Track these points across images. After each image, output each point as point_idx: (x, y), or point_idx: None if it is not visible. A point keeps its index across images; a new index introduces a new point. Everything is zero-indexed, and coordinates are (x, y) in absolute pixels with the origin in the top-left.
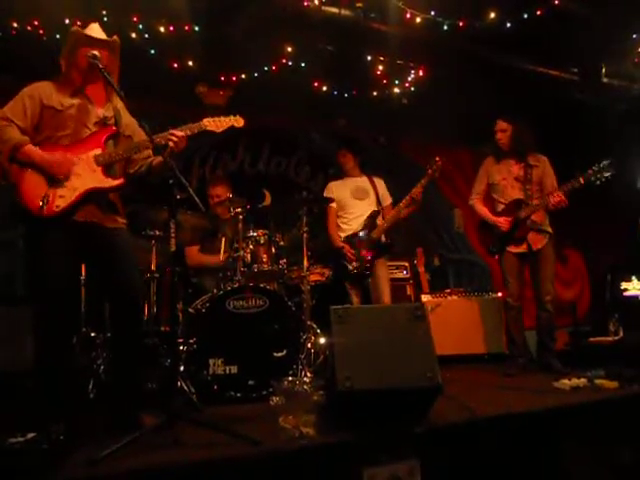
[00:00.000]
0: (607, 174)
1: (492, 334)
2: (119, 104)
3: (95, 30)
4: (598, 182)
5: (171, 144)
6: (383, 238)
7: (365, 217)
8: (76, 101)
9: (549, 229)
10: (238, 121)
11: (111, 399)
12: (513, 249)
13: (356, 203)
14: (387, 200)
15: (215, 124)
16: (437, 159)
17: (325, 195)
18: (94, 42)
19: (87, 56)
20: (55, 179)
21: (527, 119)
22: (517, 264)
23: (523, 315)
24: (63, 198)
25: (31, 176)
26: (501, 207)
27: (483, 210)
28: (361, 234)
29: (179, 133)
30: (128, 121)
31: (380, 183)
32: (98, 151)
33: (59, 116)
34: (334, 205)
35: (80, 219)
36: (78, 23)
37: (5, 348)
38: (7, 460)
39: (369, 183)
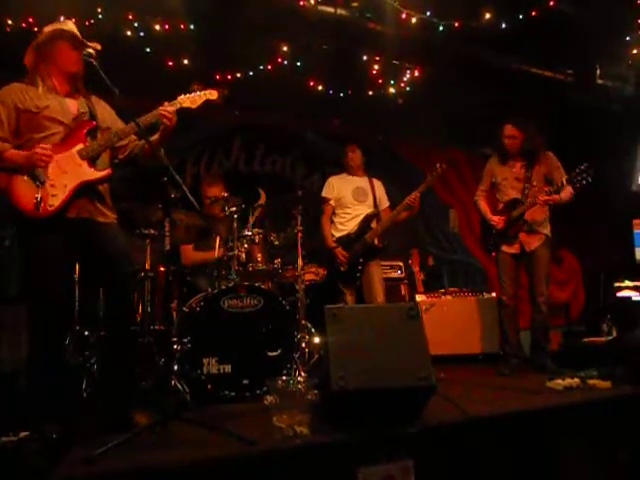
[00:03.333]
0: (586, 177)
1: (486, 334)
2: (92, 97)
3: (72, 29)
4: (578, 185)
5: (165, 120)
6: (376, 241)
7: (361, 218)
8: (50, 101)
9: (545, 230)
10: (212, 94)
11: (103, 397)
12: (507, 249)
13: (355, 204)
14: (385, 203)
15: (189, 100)
16: (437, 166)
17: (325, 189)
18: (74, 41)
19: (82, 54)
20: (43, 179)
21: (536, 121)
22: (512, 264)
23: (518, 315)
24: (55, 197)
25: (20, 180)
26: (500, 206)
27: (484, 208)
28: (354, 236)
29: (169, 108)
30: (105, 114)
31: (379, 185)
32: (80, 146)
33: (36, 118)
34: (332, 202)
35: (72, 215)
36: (61, 21)
37: None
38: (0, 459)
39: (369, 184)
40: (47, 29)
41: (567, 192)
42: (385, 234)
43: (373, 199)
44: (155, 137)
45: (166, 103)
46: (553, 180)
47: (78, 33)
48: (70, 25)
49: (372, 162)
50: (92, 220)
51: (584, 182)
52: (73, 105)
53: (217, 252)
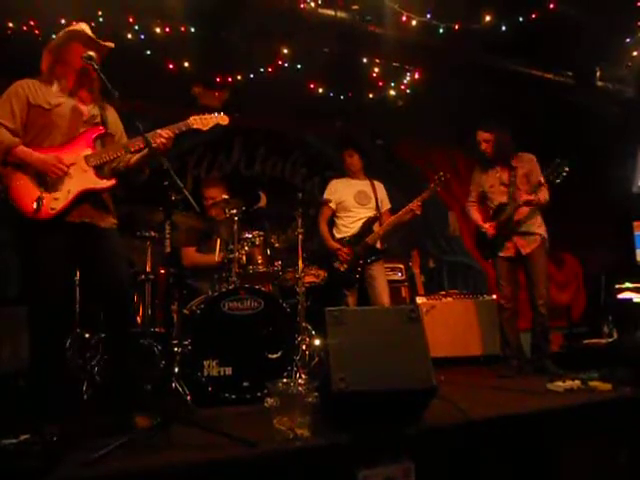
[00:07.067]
0: (560, 172)
1: (486, 336)
2: (104, 103)
3: (86, 30)
4: (557, 180)
5: (160, 144)
6: (378, 244)
7: (363, 221)
8: (63, 99)
9: (540, 230)
10: (223, 119)
11: (104, 400)
12: (503, 253)
13: (358, 207)
14: (386, 205)
15: (201, 122)
16: (441, 174)
17: (326, 191)
18: (88, 41)
19: (82, 57)
20: (47, 181)
21: (503, 121)
22: (509, 267)
23: (518, 317)
24: (57, 201)
25: (23, 179)
26: (491, 213)
27: (475, 216)
28: (356, 238)
29: (165, 134)
30: (113, 119)
31: (380, 187)
32: (88, 151)
33: (47, 115)
34: (332, 205)
35: (74, 219)
36: (74, 24)
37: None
38: (0, 461)
39: (370, 187)
40: (61, 33)
41: (543, 193)
42: (386, 237)
43: (375, 202)
44: (139, 155)
45: (177, 123)
46: (531, 181)
47: (91, 34)
48: (83, 27)
49: (373, 164)
50: (93, 225)
51: (559, 178)
52: (84, 108)
53: (218, 255)
